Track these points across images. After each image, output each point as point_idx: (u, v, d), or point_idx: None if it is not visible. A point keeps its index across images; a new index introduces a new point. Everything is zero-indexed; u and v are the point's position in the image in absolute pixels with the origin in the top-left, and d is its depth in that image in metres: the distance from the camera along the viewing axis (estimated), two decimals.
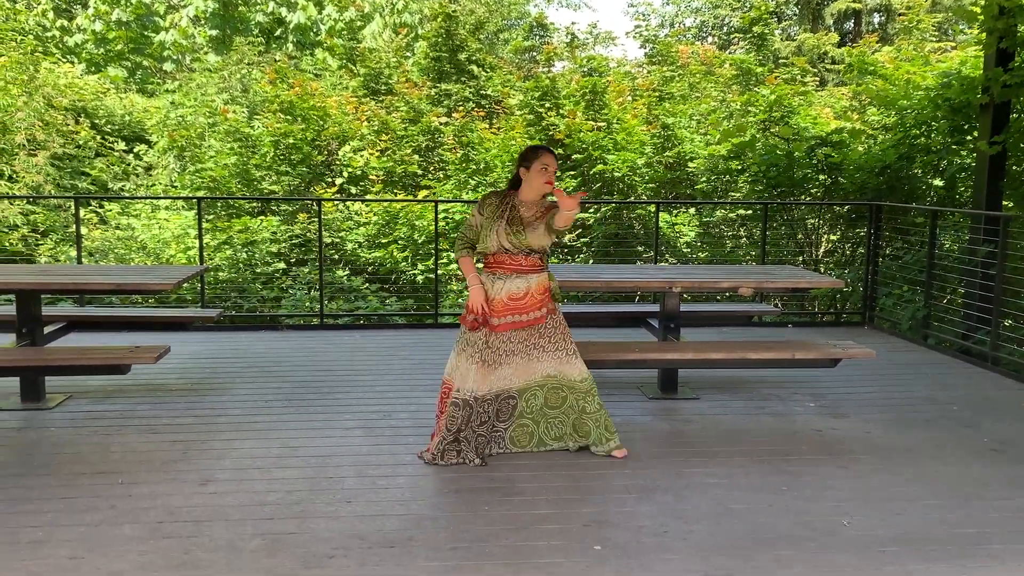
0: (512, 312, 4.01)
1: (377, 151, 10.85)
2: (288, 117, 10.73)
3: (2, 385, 5.00)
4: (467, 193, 10.28)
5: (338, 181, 10.51)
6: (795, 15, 23.52)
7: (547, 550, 3.12)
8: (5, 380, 4.96)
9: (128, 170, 11.69)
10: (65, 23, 16.75)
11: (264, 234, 9.35)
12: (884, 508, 3.54)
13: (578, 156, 10.43)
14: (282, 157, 10.48)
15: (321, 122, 10.82)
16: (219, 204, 10.10)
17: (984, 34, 6.95)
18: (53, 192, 10.59)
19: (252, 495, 3.60)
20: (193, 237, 9.22)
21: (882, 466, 4.04)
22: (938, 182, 8.82)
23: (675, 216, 10.09)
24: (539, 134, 11.03)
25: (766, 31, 14.83)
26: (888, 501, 3.61)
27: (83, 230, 9.84)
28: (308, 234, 9.63)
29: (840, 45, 19.77)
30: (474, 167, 10.50)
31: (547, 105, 11.37)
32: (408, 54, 15.30)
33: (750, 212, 9.94)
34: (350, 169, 10.54)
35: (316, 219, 8.66)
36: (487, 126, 11.63)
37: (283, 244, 9.53)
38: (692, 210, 10.26)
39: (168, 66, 16.84)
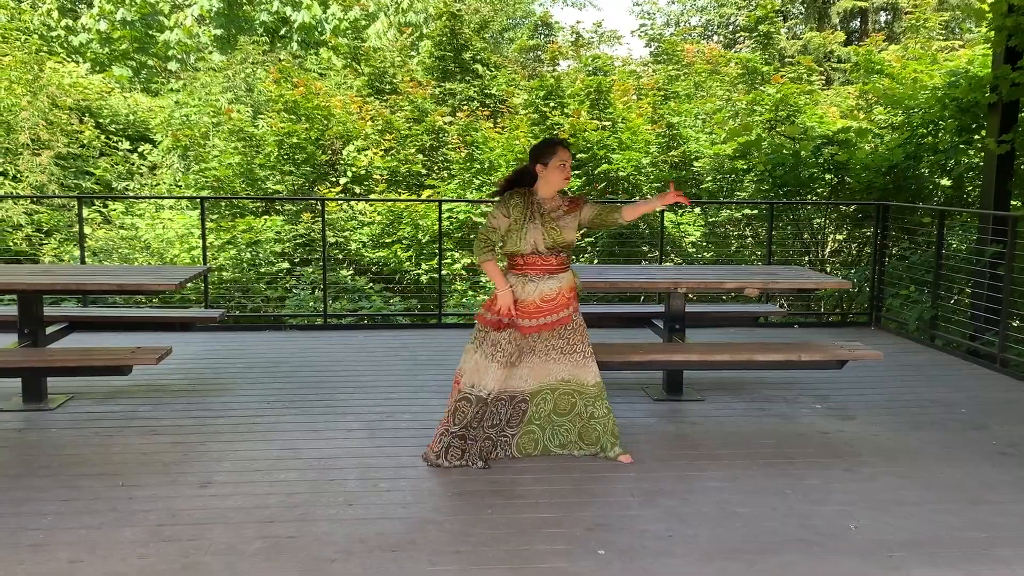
0: (543, 313, 3.95)
1: (381, 151, 10.83)
2: (292, 117, 10.71)
3: (4, 386, 4.99)
4: (471, 192, 10.25)
5: (342, 181, 10.50)
6: (801, 14, 23.43)
7: (550, 554, 3.08)
8: (7, 381, 4.95)
9: (132, 170, 11.69)
10: (70, 22, 16.76)
11: (268, 234, 9.33)
12: (891, 512, 3.50)
13: (583, 155, 10.40)
14: (286, 157, 10.47)
15: (325, 121, 10.80)
16: (223, 204, 10.09)
17: (992, 32, 6.89)
18: (57, 192, 10.59)
19: (253, 497, 3.57)
20: (197, 237, 9.20)
21: (889, 469, 4.00)
22: (946, 181, 8.76)
23: (680, 216, 10.05)
24: (543, 133, 11.00)
25: (772, 30, 14.77)
26: (895, 505, 3.57)
27: (87, 230, 9.85)
28: (312, 234, 9.61)
29: (846, 44, 19.69)
30: (478, 167, 10.47)
31: (552, 104, 11.34)
32: (413, 53, 15.28)
33: (756, 212, 9.89)
34: (354, 169, 10.52)
35: (320, 219, 8.64)
36: (491, 125, 11.60)
37: (287, 244, 9.51)
38: (697, 210, 10.21)
39: (173, 65, 16.84)
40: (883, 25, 22.61)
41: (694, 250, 9.99)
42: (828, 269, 9.35)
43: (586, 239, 10.05)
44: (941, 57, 10.56)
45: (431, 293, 9.31)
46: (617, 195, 10.36)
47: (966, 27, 17.76)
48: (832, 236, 9.54)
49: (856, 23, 23.35)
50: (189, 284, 7.49)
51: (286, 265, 9.36)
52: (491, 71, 13.44)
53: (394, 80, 12.66)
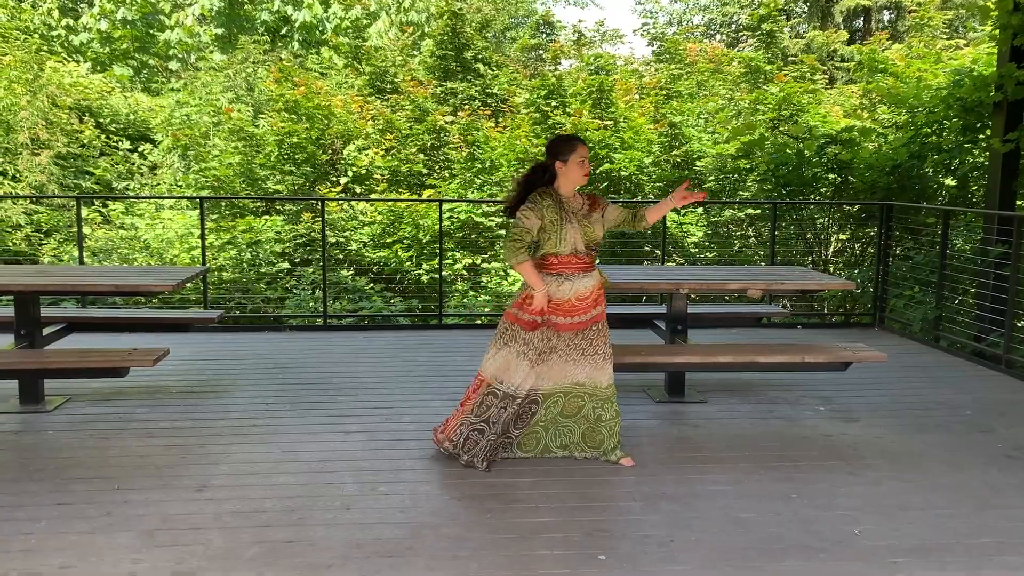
0: (579, 311, 3.90)
1: (382, 150, 10.78)
2: (292, 116, 10.67)
3: (1, 387, 4.95)
4: (472, 192, 10.21)
5: (343, 180, 10.45)
6: (804, 12, 23.35)
7: (550, 560, 3.04)
8: (3, 382, 4.91)
9: (132, 169, 11.65)
10: (70, 22, 16.72)
11: (268, 234, 9.29)
12: (896, 516, 3.45)
13: None
14: (286, 156, 10.43)
15: (326, 121, 10.76)
16: (223, 204, 10.05)
17: (998, 30, 6.83)
18: (57, 192, 10.55)
19: (250, 502, 3.52)
20: (197, 237, 9.17)
21: (894, 472, 3.95)
22: (950, 181, 8.70)
23: (683, 216, 10.00)
24: (545, 133, 10.95)
25: (775, 28, 14.71)
26: (900, 509, 3.52)
27: (87, 230, 9.82)
28: (312, 234, 9.57)
29: (850, 43, 19.60)
30: (479, 166, 10.43)
31: (553, 104, 11.29)
32: (414, 52, 15.24)
33: (759, 211, 9.84)
34: (355, 168, 10.48)
35: (320, 219, 8.60)
36: (493, 125, 11.56)
37: (287, 244, 9.47)
38: (700, 209, 10.16)
39: (173, 65, 16.81)
40: (887, 24, 22.53)
41: (696, 250, 9.93)
42: (831, 269, 9.30)
43: None
44: (945, 56, 10.50)
45: (432, 293, 9.26)
46: (619, 195, 10.31)
47: (970, 26, 17.69)
48: (835, 236, 9.49)
49: (859, 22, 23.27)
50: (189, 284, 7.45)
51: (286, 265, 9.32)
52: (493, 70, 13.40)
53: (395, 79, 12.62)
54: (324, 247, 7.53)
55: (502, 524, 3.33)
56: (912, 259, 7.82)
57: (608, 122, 11.01)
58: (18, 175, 10.47)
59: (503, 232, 9.97)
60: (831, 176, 8.93)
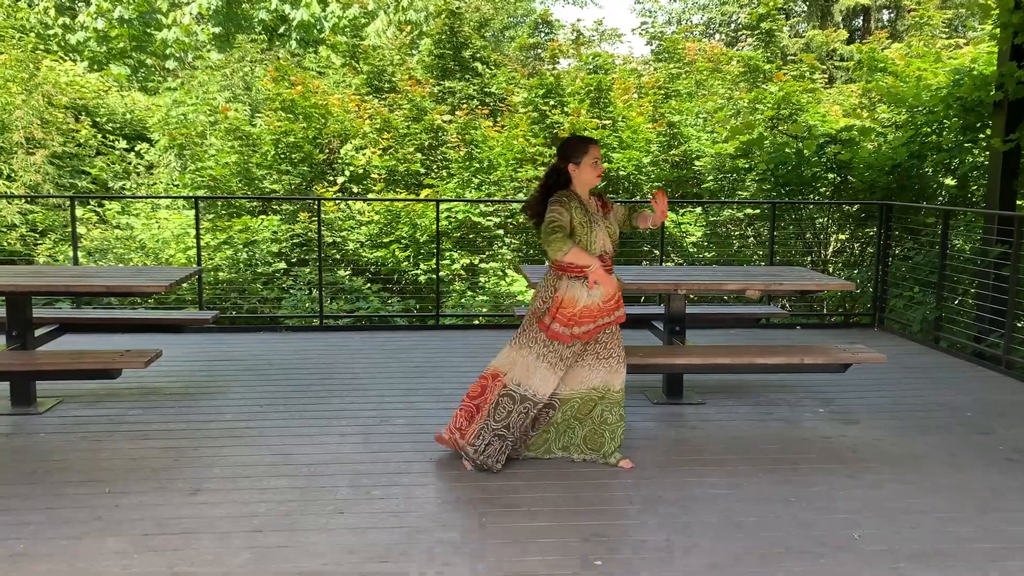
0: (604, 314, 3.85)
1: (379, 150, 10.74)
2: (289, 115, 10.63)
3: None
4: (470, 192, 10.16)
5: (340, 180, 10.40)
6: (803, 12, 23.31)
7: (545, 565, 2.99)
8: None
9: (129, 169, 11.60)
10: (67, 20, 16.67)
11: (265, 234, 9.25)
12: (897, 520, 3.40)
13: None
14: (283, 156, 10.38)
15: (323, 120, 10.71)
16: (219, 204, 10.00)
17: (998, 29, 6.79)
18: (52, 191, 10.50)
19: (242, 505, 3.48)
20: (193, 237, 9.13)
21: (894, 475, 3.90)
22: (950, 181, 8.66)
23: (681, 215, 9.96)
24: (543, 132, 10.91)
25: (774, 27, 14.66)
26: (901, 513, 3.48)
27: (82, 230, 9.76)
28: (309, 233, 9.52)
29: (849, 42, 19.57)
30: (477, 166, 10.38)
31: (551, 103, 11.24)
32: (412, 52, 15.19)
33: (758, 211, 9.80)
34: (352, 168, 10.43)
35: (316, 218, 8.57)
36: (491, 124, 11.51)
37: (284, 244, 9.42)
38: (699, 209, 10.12)
39: (171, 64, 16.75)
40: (886, 23, 22.49)
41: (695, 250, 9.89)
42: (831, 269, 9.26)
43: None
44: (945, 55, 10.46)
45: (429, 293, 9.22)
46: (617, 194, 10.27)
47: (970, 25, 17.66)
48: (835, 236, 9.45)
49: (859, 21, 23.23)
50: (185, 285, 7.40)
51: (283, 265, 9.27)
52: (491, 69, 13.35)
53: (393, 78, 12.57)
54: (320, 247, 7.49)
55: (497, 529, 3.28)
56: (912, 259, 7.78)
57: (606, 121, 10.97)
58: (13, 175, 10.42)
59: (501, 232, 9.93)
60: (830, 176, 8.89)
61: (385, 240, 9.60)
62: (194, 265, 8.13)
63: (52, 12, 16.31)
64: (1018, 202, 7.24)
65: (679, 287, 4.82)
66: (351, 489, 3.65)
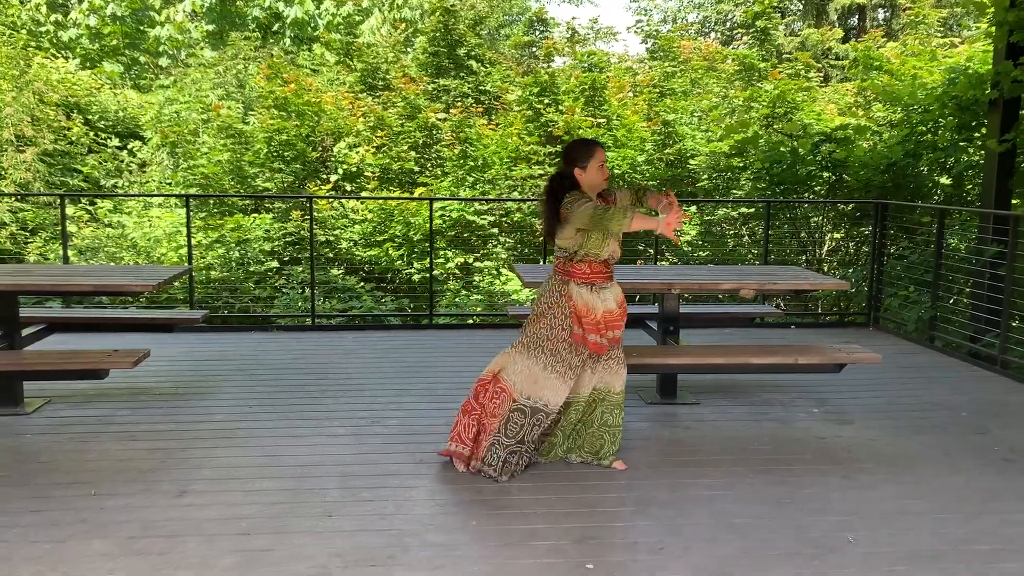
0: (624, 316, 3.83)
1: (373, 147, 10.68)
2: (282, 113, 10.57)
3: None
4: (464, 190, 10.11)
5: (333, 178, 10.35)
6: (799, 10, 23.30)
7: (536, 569, 2.95)
8: None
9: (121, 167, 11.53)
10: (59, 17, 16.57)
11: (257, 232, 9.19)
12: (891, 523, 3.37)
13: None
14: (276, 154, 10.32)
15: (316, 118, 10.65)
16: (212, 202, 9.94)
17: (994, 27, 6.76)
18: (42, 189, 10.43)
19: (230, 508, 3.43)
20: (185, 235, 9.07)
21: (889, 477, 3.87)
22: (945, 180, 8.64)
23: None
24: (538, 131, 10.87)
25: (769, 26, 14.64)
26: (896, 515, 3.44)
27: (74, 228, 9.70)
28: (302, 232, 9.47)
29: (844, 41, 19.56)
30: (472, 164, 10.33)
31: (546, 101, 11.20)
32: (407, 50, 15.13)
33: (752, 210, 9.77)
34: (345, 166, 10.38)
35: (309, 217, 8.52)
36: (486, 122, 11.46)
37: (276, 242, 9.37)
38: (693, 208, 10.08)
39: (164, 61, 16.67)
40: (881, 22, 22.49)
41: (690, 249, 9.86)
42: (825, 268, 9.23)
43: None
44: (940, 54, 10.44)
45: (423, 293, 9.17)
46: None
47: (965, 24, 17.66)
48: (830, 235, 9.42)
49: (854, 20, 23.23)
50: (176, 284, 7.35)
51: (275, 264, 9.21)
52: (486, 67, 13.30)
53: (387, 76, 12.52)
54: (312, 245, 7.43)
55: (488, 531, 3.24)
56: (907, 258, 7.76)
57: (601, 120, 10.93)
58: (3, 172, 10.35)
59: (495, 231, 9.88)
60: (825, 174, 8.86)
61: (379, 239, 9.55)
62: (186, 264, 8.07)
63: (44, 9, 16.22)
64: (1013, 201, 7.22)
65: (673, 286, 4.79)
66: (341, 491, 3.60)
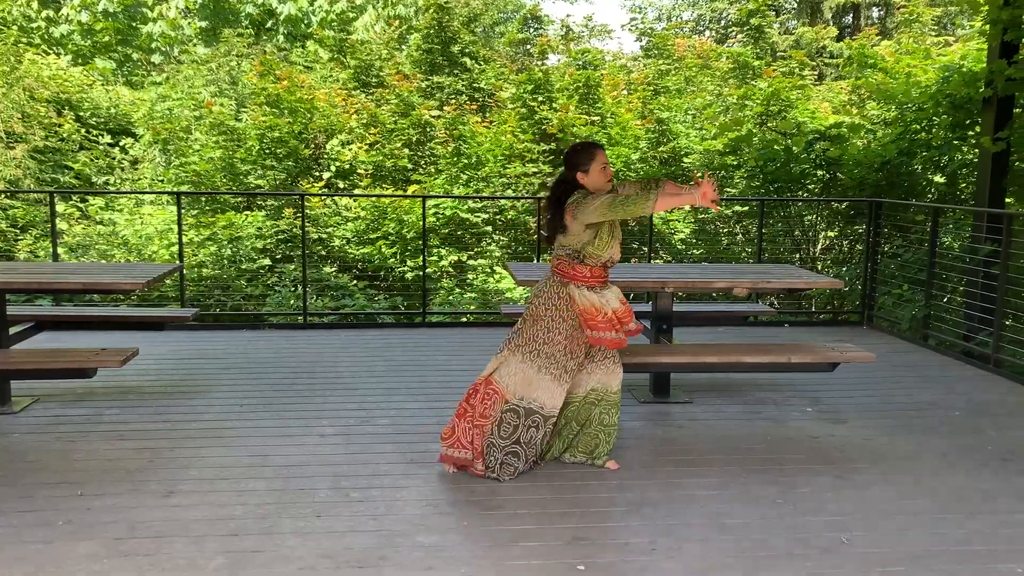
0: (630, 313, 3.79)
1: (366, 145, 10.64)
2: (275, 110, 10.51)
3: None
4: (458, 188, 10.07)
5: (325, 175, 10.30)
6: (793, 9, 23.30)
7: (527, 570, 2.92)
8: None
9: (113, 164, 11.46)
10: (51, 14, 16.46)
11: (249, 230, 9.13)
12: (886, 523, 3.35)
13: None
14: (268, 151, 10.26)
15: (308, 115, 10.60)
16: (204, 199, 9.88)
17: (988, 25, 6.75)
18: (32, 186, 10.35)
19: (218, 508, 3.40)
20: (177, 233, 9.02)
21: (883, 476, 3.85)
22: (939, 178, 8.63)
23: (669, 212, 9.90)
24: (532, 128, 10.83)
25: (763, 23, 14.63)
26: (890, 515, 3.42)
27: (64, 225, 9.63)
28: (294, 230, 9.42)
29: (838, 39, 19.56)
30: (465, 161, 10.29)
31: (540, 99, 11.16)
32: (401, 47, 15.08)
33: (746, 208, 9.75)
34: (338, 163, 10.33)
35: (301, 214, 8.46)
36: (480, 120, 11.42)
37: (269, 240, 9.31)
38: (687, 206, 10.05)
39: (157, 58, 16.58)
40: (875, 20, 22.50)
41: (684, 247, 9.84)
42: (819, 267, 9.22)
43: None
44: (934, 52, 10.43)
45: (416, 291, 9.13)
46: None
47: (959, 22, 17.67)
48: (824, 233, 9.41)
49: (848, 18, 23.24)
50: (168, 281, 7.29)
51: (267, 262, 9.16)
52: (480, 65, 13.26)
53: (381, 73, 12.46)
54: (304, 243, 7.38)
55: (479, 532, 3.21)
56: (901, 257, 7.75)
57: (595, 118, 10.90)
58: None
59: (489, 228, 9.85)
60: (819, 173, 8.85)
61: (372, 236, 9.51)
62: (176, 262, 8.02)
63: (35, 5, 16.11)
64: (1007, 200, 7.21)
65: (667, 285, 4.76)
66: (330, 491, 3.57)
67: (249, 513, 3.35)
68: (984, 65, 7.07)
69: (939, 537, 3.23)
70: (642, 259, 9.39)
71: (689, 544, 3.14)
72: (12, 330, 4.87)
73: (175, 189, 9.96)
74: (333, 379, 5.39)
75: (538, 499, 3.51)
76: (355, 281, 9.25)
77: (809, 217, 9.29)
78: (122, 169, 11.52)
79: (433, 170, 10.65)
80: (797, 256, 9.29)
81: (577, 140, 10.21)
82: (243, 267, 8.99)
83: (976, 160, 7.58)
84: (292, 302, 8.43)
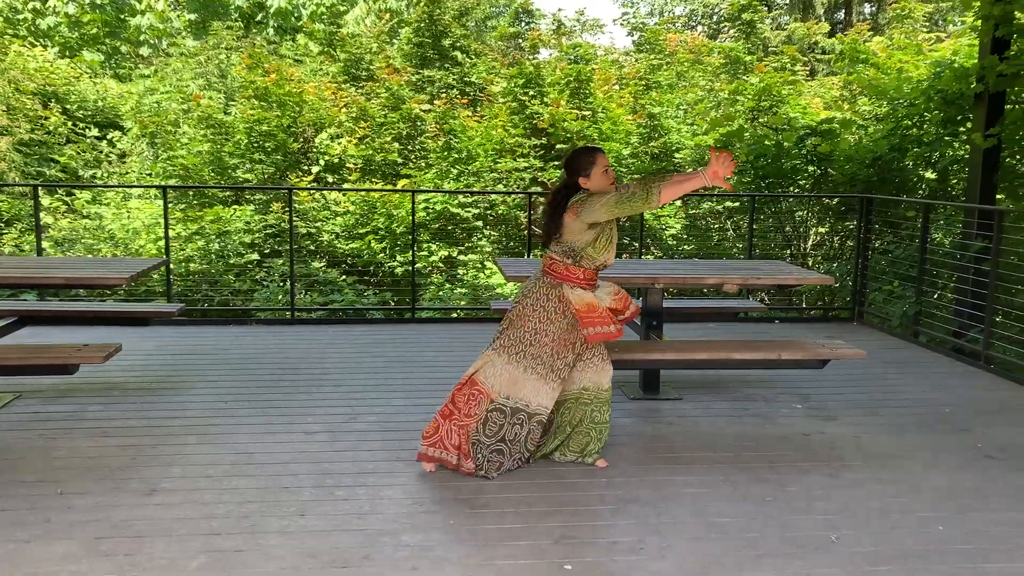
0: (626, 300, 3.81)
1: (355, 139, 10.56)
2: (263, 104, 10.42)
3: None
4: (448, 182, 10.02)
5: (314, 169, 10.22)
6: (785, 4, 23.29)
7: (514, 569, 2.88)
8: None
9: (100, 157, 11.35)
10: (37, 5, 16.30)
11: (237, 224, 9.05)
12: (875, 522, 3.32)
13: (562, 146, 10.18)
14: (256, 145, 10.18)
15: (297, 108, 10.51)
16: (191, 193, 9.79)
17: (979, 21, 6.73)
18: (17, 179, 10.24)
19: (201, 507, 3.34)
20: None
21: (873, 474, 3.83)
22: (930, 174, 8.62)
23: (661, 208, 9.86)
24: (523, 122, 10.77)
25: (755, 18, 14.60)
26: (880, 514, 3.40)
27: (50, 219, 9.53)
28: (283, 224, 9.35)
29: (830, 35, 19.56)
30: (456, 156, 10.23)
31: (531, 93, 11.11)
32: (392, 40, 14.99)
33: (737, 204, 9.73)
34: (327, 157, 10.25)
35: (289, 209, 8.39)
36: (470, 114, 11.36)
37: (257, 235, 9.24)
38: (678, 202, 10.02)
39: (145, 51, 16.44)
40: (867, 16, 22.51)
41: (675, 243, 9.81)
42: (810, 262, 9.20)
43: None
44: (926, 48, 10.42)
45: (406, 286, 9.08)
46: None
47: (951, 18, 17.69)
48: (814, 229, 9.39)
49: (840, 14, 23.24)
50: (155, 276, 7.22)
51: (255, 257, 9.08)
52: (471, 59, 13.19)
53: (371, 67, 12.38)
54: (292, 237, 7.32)
55: (466, 531, 3.17)
56: (892, 253, 7.73)
57: (586, 112, 10.85)
58: None
59: (479, 223, 9.79)
60: (810, 168, 8.83)
61: (361, 231, 9.44)
62: (163, 256, 7.94)
63: None
64: (998, 196, 7.20)
65: (657, 281, 4.72)
66: (315, 490, 3.52)
67: (232, 512, 3.29)
68: (975, 61, 7.06)
69: (929, 535, 3.21)
70: (633, 255, 9.36)
71: (678, 542, 3.10)
72: None
73: (162, 183, 9.87)
74: (320, 375, 5.34)
75: (525, 498, 3.47)
76: (344, 276, 9.19)
77: (800, 213, 9.28)
78: (109, 163, 11.41)
79: (423, 164, 10.58)
80: (788, 252, 9.27)
81: (569, 136, 10.19)
82: (231, 262, 8.92)
83: (967, 156, 7.56)
84: (280, 297, 8.37)
